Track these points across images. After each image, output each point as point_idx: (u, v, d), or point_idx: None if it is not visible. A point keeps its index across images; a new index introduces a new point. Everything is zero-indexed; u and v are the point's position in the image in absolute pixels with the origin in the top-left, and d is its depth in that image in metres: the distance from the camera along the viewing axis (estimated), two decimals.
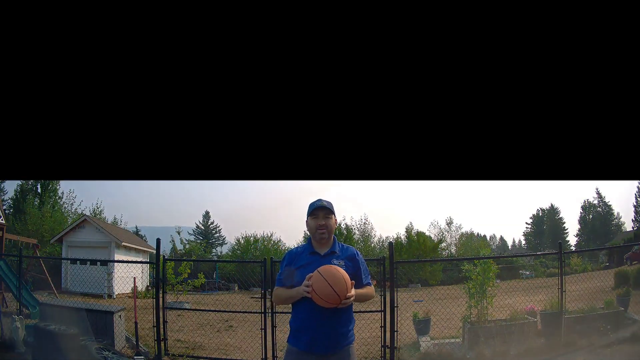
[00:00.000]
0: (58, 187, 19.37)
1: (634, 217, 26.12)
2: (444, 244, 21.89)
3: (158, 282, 4.96)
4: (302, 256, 1.88)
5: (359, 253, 1.95)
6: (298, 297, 1.79)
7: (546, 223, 34.30)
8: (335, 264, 1.80)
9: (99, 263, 11.40)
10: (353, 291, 1.74)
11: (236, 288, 14.47)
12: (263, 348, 4.62)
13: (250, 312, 5.76)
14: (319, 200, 1.91)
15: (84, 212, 18.59)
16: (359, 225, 23.15)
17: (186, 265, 9.01)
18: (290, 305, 1.89)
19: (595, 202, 31.34)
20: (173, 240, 20.72)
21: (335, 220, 1.92)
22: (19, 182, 18.40)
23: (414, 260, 14.90)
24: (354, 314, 1.91)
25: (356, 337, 1.93)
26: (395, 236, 21.82)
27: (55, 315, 4.82)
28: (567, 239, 30.63)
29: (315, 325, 1.77)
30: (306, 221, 1.92)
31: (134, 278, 6.45)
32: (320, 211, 1.88)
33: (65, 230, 13.17)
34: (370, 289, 1.90)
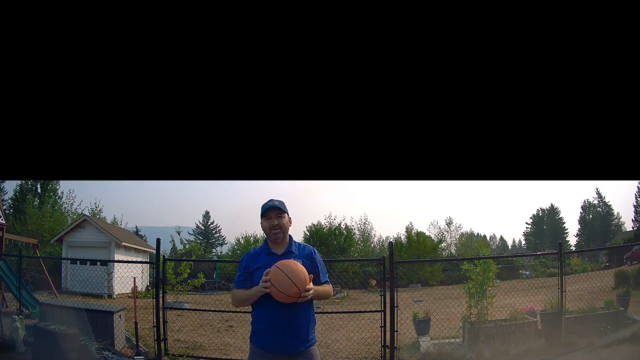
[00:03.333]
0: (58, 187, 19.39)
1: (634, 217, 26.15)
2: (443, 244, 21.92)
3: (158, 282, 4.96)
4: (259, 257, 1.89)
5: (316, 251, 1.96)
6: (257, 296, 1.79)
7: (546, 223, 34.33)
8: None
9: (99, 263, 11.41)
10: (312, 285, 1.76)
11: None
12: None
13: (250, 312, 5.75)
14: (270, 200, 1.92)
15: (83, 212, 18.60)
16: (359, 225, 23.19)
17: (186, 265, 9.01)
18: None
19: (595, 202, 31.37)
20: (173, 240, 20.73)
21: (289, 219, 1.94)
22: (19, 182, 18.42)
23: (414, 260, 14.91)
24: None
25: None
26: (395, 236, 21.87)
27: (55, 315, 4.82)
28: (567, 239, 30.69)
29: (277, 325, 1.78)
30: (260, 223, 1.93)
31: (134, 278, 6.44)
32: (272, 211, 1.89)
33: (65, 230, 13.17)
34: (328, 287, 1.91)
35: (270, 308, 1.78)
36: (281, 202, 1.93)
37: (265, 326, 1.80)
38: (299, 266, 1.75)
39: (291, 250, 1.90)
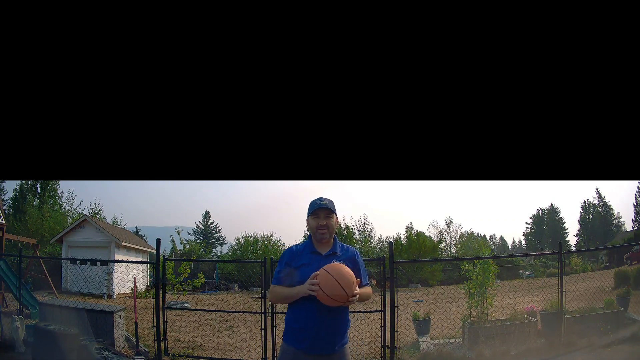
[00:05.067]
0: (58, 187, 19.37)
1: (634, 217, 26.15)
2: (443, 244, 21.91)
3: (158, 282, 4.96)
4: (302, 255, 1.87)
5: (359, 254, 1.95)
6: (298, 297, 1.78)
7: (546, 223, 34.32)
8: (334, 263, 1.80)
9: (99, 263, 11.40)
10: (358, 290, 1.74)
11: (236, 288, 14.47)
12: (263, 348, 4.61)
13: (250, 312, 5.76)
14: (320, 199, 1.89)
15: (83, 212, 18.59)
16: (359, 225, 23.19)
17: (186, 265, 9.01)
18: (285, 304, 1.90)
19: (595, 202, 31.37)
20: (173, 240, 20.71)
21: (337, 219, 1.91)
22: (19, 182, 18.41)
23: (414, 260, 14.90)
24: (351, 313, 1.92)
25: (356, 337, 1.95)
26: (395, 236, 21.86)
27: (55, 315, 4.82)
28: (567, 239, 30.68)
29: (317, 326, 1.76)
30: (307, 220, 1.91)
31: (134, 278, 6.44)
32: (321, 211, 1.86)
33: (65, 230, 13.15)
34: (369, 290, 1.91)
35: (311, 308, 1.76)
36: (331, 202, 1.89)
37: (303, 326, 1.79)
38: (347, 270, 1.73)
39: (335, 251, 1.87)
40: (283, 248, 20.10)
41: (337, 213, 1.91)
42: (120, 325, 5.01)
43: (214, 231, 32.71)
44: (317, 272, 1.72)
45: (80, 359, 4.20)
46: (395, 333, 4.50)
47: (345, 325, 1.85)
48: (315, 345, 1.77)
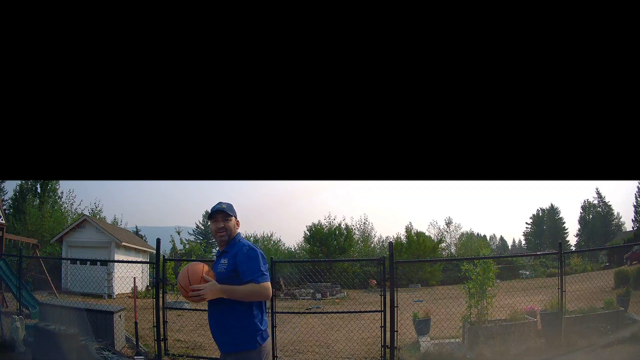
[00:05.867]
0: (58, 187, 19.36)
1: (634, 217, 26.12)
2: (443, 244, 21.91)
3: (158, 282, 4.96)
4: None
5: (245, 251, 1.87)
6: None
7: (546, 223, 34.30)
8: (221, 263, 1.90)
9: (99, 263, 11.40)
10: (201, 285, 1.81)
11: None
12: None
13: None
14: (219, 203, 1.98)
15: (83, 212, 18.59)
16: (359, 225, 23.18)
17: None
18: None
19: (595, 202, 31.36)
20: (173, 240, 20.72)
21: (237, 222, 1.99)
22: (19, 182, 18.41)
23: (414, 260, 14.89)
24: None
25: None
26: (395, 236, 21.85)
27: (55, 315, 4.82)
28: (567, 239, 30.65)
29: (211, 325, 1.93)
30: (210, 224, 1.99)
31: (134, 278, 6.44)
32: (219, 214, 1.94)
33: (65, 230, 13.15)
34: (252, 286, 1.81)
35: (209, 305, 1.91)
36: (229, 206, 1.98)
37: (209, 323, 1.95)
38: (193, 266, 1.86)
39: (225, 250, 1.95)
40: (283, 248, 20.13)
41: (236, 216, 1.99)
42: (120, 325, 5.01)
43: None
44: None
45: (80, 359, 4.20)
46: (395, 333, 4.50)
47: (238, 327, 1.82)
48: (216, 342, 1.90)
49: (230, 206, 1.98)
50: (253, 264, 1.85)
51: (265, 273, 1.87)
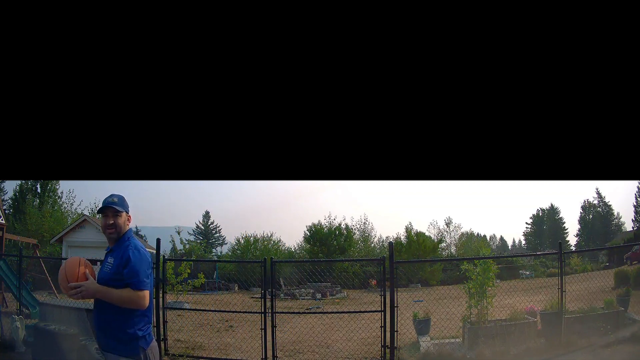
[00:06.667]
0: (58, 187, 19.36)
1: (634, 217, 26.14)
2: (443, 244, 21.89)
3: (158, 282, 4.96)
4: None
5: (129, 253, 1.79)
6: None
7: (546, 223, 34.30)
8: (108, 262, 1.82)
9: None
10: (81, 283, 1.75)
11: (236, 288, 14.46)
12: (263, 348, 4.61)
13: (250, 312, 5.76)
14: (111, 196, 1.85)
15: (83, 212, 18.58)
16: (358, 225, 23.16)
17: (186, 265, 8.99)
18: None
19: (595, 202, 31.36)
20: (173, 240, 20.70)
21: (129, 217, 1.87)
22: (19, 182, 18.40)
23: (414, 260, 14.89)
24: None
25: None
26: (395, 236, 21.84)
27: (55, 315, 4.82)
28: (567, 239, 30.65)
29: (93, 320, 1.84)
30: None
31: None
32: (109, 209, 1.83)
33: (65, 230, 13.16)
34: (128, 292, 1.72)
35: (93, 306, 1.84)
36: (121, 200, 1.85)
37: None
38: (69, 262, 1.81)
39: (112, 249, 1.86)
40: (283, 248, 20.12)
41: (128, 211, 1.86)
42: None
43: (214, 231, 32.72)
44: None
45: (80, 359, 4.20)
46: (395, 333, 4.50)
47: (115, 333, 1.74)
48: (98, 342, 1.84)
49: (122, 200, 1.85)
50: (134, 268, 1.75)
51: (146, 280, 1.75)
